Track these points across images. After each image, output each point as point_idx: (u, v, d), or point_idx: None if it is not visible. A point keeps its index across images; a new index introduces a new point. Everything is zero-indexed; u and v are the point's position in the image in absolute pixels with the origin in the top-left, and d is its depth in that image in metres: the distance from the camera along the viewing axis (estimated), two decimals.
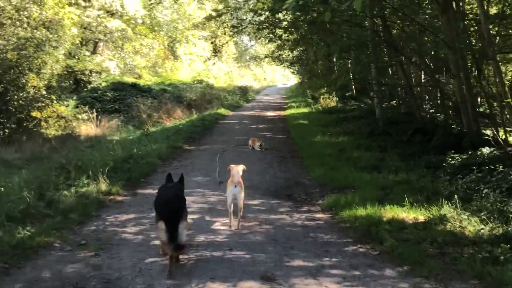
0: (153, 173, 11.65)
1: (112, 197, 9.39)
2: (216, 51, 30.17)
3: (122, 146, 14.91)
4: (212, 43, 30.41)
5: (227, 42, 30.84)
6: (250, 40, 51.71)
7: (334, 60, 28.89)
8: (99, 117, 26.91)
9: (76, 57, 33.40)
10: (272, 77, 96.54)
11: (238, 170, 7.96)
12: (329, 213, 8.63)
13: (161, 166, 12.60)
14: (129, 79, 37.08)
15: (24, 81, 22.82)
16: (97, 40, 37.92)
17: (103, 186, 9.52)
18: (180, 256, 6.22)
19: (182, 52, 52.82)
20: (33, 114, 22.93)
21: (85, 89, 33.38)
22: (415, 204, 8.38)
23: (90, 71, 34.69)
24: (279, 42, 30.34)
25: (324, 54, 28.80)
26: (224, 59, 70.96)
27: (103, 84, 34.09)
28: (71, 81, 33.59)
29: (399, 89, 21.79)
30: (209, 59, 32.63)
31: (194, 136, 18.32)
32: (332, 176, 11.01)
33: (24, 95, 22.81)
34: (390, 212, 8.15)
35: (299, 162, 13.50)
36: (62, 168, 10.43)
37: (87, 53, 35.01)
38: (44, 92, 23.49)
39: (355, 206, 8.44)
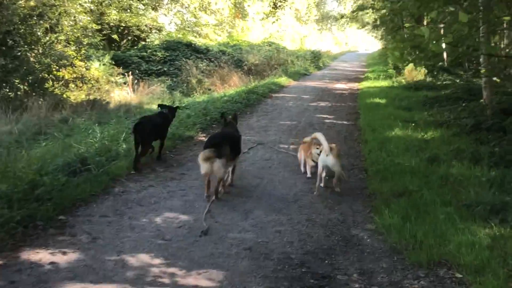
0: (96, 199, 6.82)
1: None
2: (276, 6, 25.26)
3: (112, 132, 10.54)
4: None
5: None
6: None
7: (425, 23, 23.27)
8: (136, 81, 22.68)
9: (128, 10, 29.38)
10: (355, 42, 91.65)
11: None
12: None
13: (121, 182, 7.72)
14: (193, 38, 32.98)
15: (39, 34, 18.74)
16: None
17: None
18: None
19: (255, 11, 48.06)
20: (56, 73, 19.00)
21: (134, 47, 29.59)
22: None
23: (150, 28, 30.92)
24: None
25: (413, 14, 23.16)
26: (304, 20, 66.07)
27: (156, 42, 30.14)
28: (130, 37, 29.97)
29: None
30: (267, 16, 27.75)
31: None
32: (416, 231, 5.75)
33: (40, 51, 18.88)
34: None
35: (362, 182, 8.19)
36: None
37: (141, 7, 30.79)
38: (64, 48, 19.43)
39: None
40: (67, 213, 6.21)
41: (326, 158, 7.07)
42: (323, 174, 7.41)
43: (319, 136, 7.22)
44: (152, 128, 8.74)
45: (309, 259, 5.22)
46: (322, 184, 7.48)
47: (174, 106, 10.27)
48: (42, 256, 5.06)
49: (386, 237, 5.78)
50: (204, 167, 6.73)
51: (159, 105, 10.10)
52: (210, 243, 5.48)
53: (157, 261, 5.01)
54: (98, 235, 5.61)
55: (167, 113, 9.54)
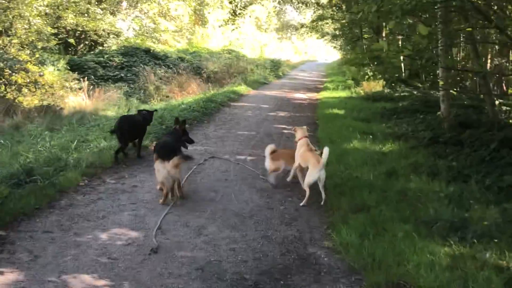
0: (40, 213, 6.43)
1: None
2: (235, 14, 25.10)
3: (63, 140, 10.19)
4: (230, 2, 25.34)
5: (250, 4, 25.78)
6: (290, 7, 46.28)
7: (383, 34, 23.48)
8: (91, 86, 22.07)
9: (85, 14, 28.68)
10: (314, 51, 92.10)
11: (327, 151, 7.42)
12: None
13: (69, 195, 7.30)
14: (152, 44, 32.52)
15: None
16: None
17: None
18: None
19: (215, 18, 47.81)
20: (9, 78, 18.27)
21: (91, 52, 28.96)
22: None
23: (108, 33, 30.30)
24: (319, 9, 25.44)
25: (371, 25, 23.28)
26: (264, 28, 66.08)
27: (114, 47, 29.58)
28: (87, 42, 29.37)
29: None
30: (226, 23, 27.55)
31: None
32: (375, 249, 5.58)
33: None
34: None
35: (319, 196, 7.85)
36: None
37: (99, 11, 30.15)
38: (18, 52, 18.76)
39: None
40: (8, 229, 5.82)
41: (321, 172, 7.35)
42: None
43: (326, 151, 7.45)
44: (132, 126, 9.65)
45: (263, 280, 4.98)
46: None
47: (152, 110, 11.03)
48: None
49: (343, 255, 5.58)
50: (163, 174, 7.00)
51: (138, 110, 10.72)
52: (160, 262, 5.18)
53: (101, 282, 4.69)
54: (39, 253, 5.24)
55: (146, 113, 10.34)
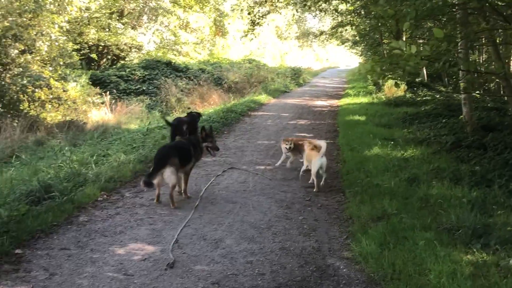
0: (57, 230, 6.40)
1: None
2: (254, 23, 25.20)
3: (83, 155, 10.25)
4: (249, 13, 25.45)
5: (268, 13, 25.85)
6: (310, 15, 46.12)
7: (404, 39, 23.22)
8: (114, 100, 22.24)
9: (107, 29, 29.02)
10: (335, 58, 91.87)
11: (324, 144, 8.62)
12: None
13: (87, 210, 7.29)
14: (173, 56, 32.78)
15: (13, 55, 18.34)
16: (132, 11, 33.42)
17: None
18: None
19: (235, 29, 48.02)
20: (33, 94, 18.47)
21: (113, 66, 29.28)
22: None
23: (129, 47, 30.61)
24: (338, 16, 25.32)
25: (391, 30, 23.07)
26: (285, 37, 66.07)
27: (135, 61, 29.86)
28: (109, 56, 29.72)
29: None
30: (246, 34, 27.66)
31: None
32: (395, 259, 5.43)
33: (16, 72, 18.46)
34: None
35: (339, 204, 7.86)
36: None
37: (120, 26, 30.46)
38: (41, 69, 18.98)
39: None
40: (25, 247, 5.80)
41: (322, 159, 8.43)
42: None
43: (323, 144, 8.69)
44: (184, 125, 11.02)
45: None
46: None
47: (199, 112, 12.93)
48: None
49: (363, 266, 5.47)
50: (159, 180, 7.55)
51: (187, 113, 12.27)
52: (176, 277, 5.12)
53: None
54: (55, 271, 5.20)
55: (195, 113, 12.08)
